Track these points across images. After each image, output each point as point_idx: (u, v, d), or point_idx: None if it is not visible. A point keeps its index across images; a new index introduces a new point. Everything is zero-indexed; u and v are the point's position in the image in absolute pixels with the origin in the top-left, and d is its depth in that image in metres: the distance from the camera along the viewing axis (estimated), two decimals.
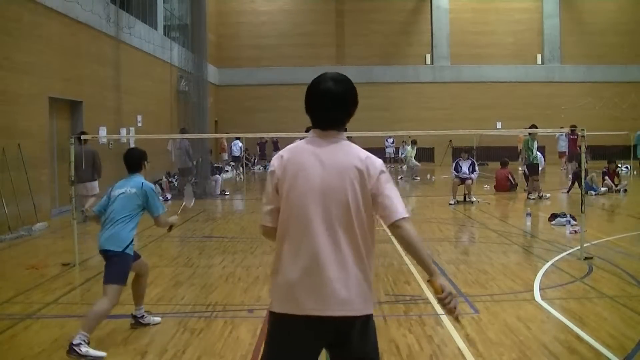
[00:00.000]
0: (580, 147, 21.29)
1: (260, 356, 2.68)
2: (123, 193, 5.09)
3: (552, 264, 7.63)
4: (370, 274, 2.59)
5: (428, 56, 31.57)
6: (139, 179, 5.21)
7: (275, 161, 2.66)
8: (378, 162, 2.61)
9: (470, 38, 30.96)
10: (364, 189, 2.55)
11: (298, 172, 2.57)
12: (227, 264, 7.99)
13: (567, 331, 5.04)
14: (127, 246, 4.95)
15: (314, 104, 2.64)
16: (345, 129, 2.75)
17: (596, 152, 22.28)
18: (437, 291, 2.55)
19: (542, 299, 6.02)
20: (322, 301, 2.49)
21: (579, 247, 7.94)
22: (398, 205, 2.56)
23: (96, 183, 11.92)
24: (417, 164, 23.22)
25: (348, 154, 2.59)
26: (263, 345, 2.69)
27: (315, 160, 2.57)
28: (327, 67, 27.41)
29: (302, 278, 2.51)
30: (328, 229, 2.52)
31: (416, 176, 22.84)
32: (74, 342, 4.41)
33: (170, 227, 5.57)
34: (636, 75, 30.50)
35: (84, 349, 4.40)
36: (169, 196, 16.43)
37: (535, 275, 7.03)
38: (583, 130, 8.07)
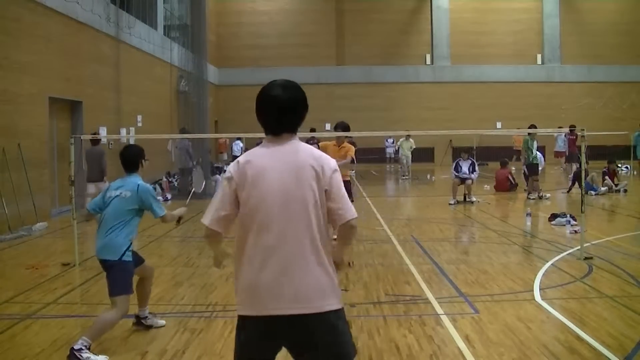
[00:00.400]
0: (579, 147, 21.47)
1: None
2: (118, 196, 4.89)
3: (552, 264, 7.63)
4: (330, 270, 2.66)
5: (428, 56, 31.56)
6: (135, 179, 4.98)
7: (232, 167, 2.72)
8: (332, 162, 2.72)
9: (470, 38, 30.95)
10: (320, 187, 2.64)
11: (257, 176, 2.64)
12: (227, 264, 7.96)
13: (567, 331, 5.04)
14: (124, 253, 4.80)
15: (265, 110, 2.72)
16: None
17: (596, 152, 22.28)
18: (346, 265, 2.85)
19: (542, 299, 6.02)
20: (284, 300, 2.55)
21: (579, 247, 7.94)
22: (349, 205, 2.69)
23: (104, 184, 11.70)
24: (408, 156, 22.73)
25: (303, 154, 2.69)
26: (234, 347, 2.74)
27: (272, 163, 2.65)
28: (327, 67, 27.54)
29: (263, 278, 2.58)
30: (289, 229, 2.59)
31: (405, 174, 22.59)
32: (75, 347, 4.36)
33: (179, 220, 5.38)
34: (636, 75, 30.50)
35: (85, 355, 4.34)
36: (169, 196, 16.44)
37: (535, 275, 7.03)
38: (583, 130, 8.07)
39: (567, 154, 21.82)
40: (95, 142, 12.30)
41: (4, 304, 6.10)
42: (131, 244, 4.91)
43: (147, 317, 5.26)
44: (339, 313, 2.65)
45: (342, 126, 8.67)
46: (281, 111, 2.68)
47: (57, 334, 5.13)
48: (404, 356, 4.56)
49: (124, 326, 5.26)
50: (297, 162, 2.65)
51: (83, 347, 4.37)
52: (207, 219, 2.71)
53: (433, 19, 31.24)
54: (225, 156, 27.15)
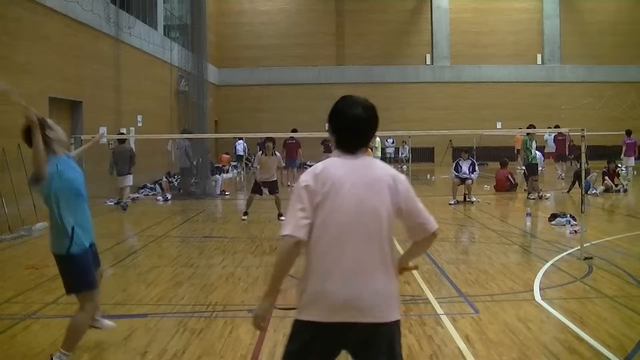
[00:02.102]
0: (570, 147, 21.63)
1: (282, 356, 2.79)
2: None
3: (552, 264, 7.62)
4: (395, 281, 2.78)
5: (428, 56, 31.57)
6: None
7: (308, 176, 2.72)
8: (404, 178, 2.81)
9: (470, 38, 30.97)
10: (393, 202, 2.73)
11: (333, 186, 2.68)
12: (227, 264, 7.99)
13: (567, 331, 5.04)
14: (70, 245, 4.32)
15: (345, 127, 2.79)
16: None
17: (596, 152, 22.31)
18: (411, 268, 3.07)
19: (542, 299, 6.02)
20: (351, 308, 2.61)
21: (579, 247, 7.94)
22: (430, 217, 2.81)
23: (131, 176, 14.25)
24: (378, 157, 22.53)
25: (377, 170, 2.77)
26: (283, 351, 2.75)
27: (347, 175, 2.70)
28: (327, 67, 27.50)
29: (332, 287, 2.63)
30: (360, 241, 2.66)
31: None
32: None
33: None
34: (636, 75, 30.51)
35: None
36: (168, 196, 16.43)
37: (535, 275, 7.02)
38: (583, 130, 8.05)
39: (555, 154, 21.91)
40: (122, 140, 14.16)
41: (4, 304, 6.10)
42: (74, 229, 4.39)
43: (97, 319, 4.87)
44: (398, 324, 2.73)
45: None
46: (362, 130, 2.78)
47: (57, 334, 5.11)
48: (404, 356, 4.54)
49: (123, 326, 5.26)
50: (371, 176, 2.73)
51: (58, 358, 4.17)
52: (289, 229, 2.64)
53: (433, 19, 31.26)
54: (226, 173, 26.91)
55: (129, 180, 14.23)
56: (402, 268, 2.97)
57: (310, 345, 2.66)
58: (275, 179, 12.01)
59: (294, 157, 20.84)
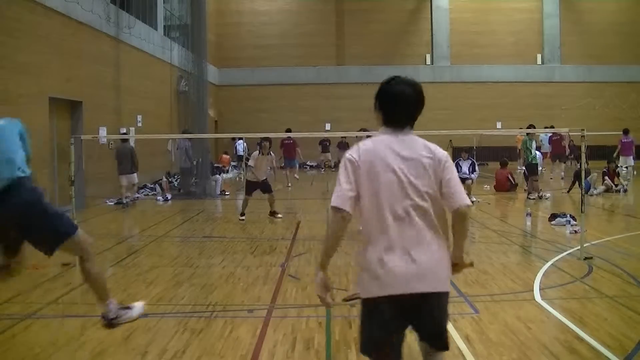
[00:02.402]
0: (570, 147, 21.63)
1: (360, 341, 2.93)
2: None
3: (552, 264, 7.62)
4: (447, 254, 2.91)
5: (428, 56, 31.57)
6: None
7: (354, 152, 2.86)
8: (444, 152, 2.93)
9: (470, 38, 30.96)
10: (436, 175, 2.84)
11: (380, 162, 2.81)
12: (227, 264, 7.98)
13: (567, 331, 5.04)
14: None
15: (393, 104, 2.92)
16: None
17: (596, 152, 22.29)
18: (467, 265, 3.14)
19: (542, 299, 6.02)
20: (412, 280, 2.74)
21: (579, 247, 7.94)
22: (462, 192, 2.88)
23: (135, 175, 14.84)
24: None
25: (420, 145, 2.90)
26: (359, 330, 2.90)
27: (392, 152, 2.83)
28: (327, 67, 27.47)
29: (391, 261, 2.74)
30: (410, 214, 2.78)
31: None
32: (111, 317, 4.08)
33: None
34: (636, 75, 30.51)
35: (125, 314, 4.10)
36: (168, 196, 16.43)
37: (535, 275, 7.02)
38: (583, 130, 8.05)
39: (550, 154, 21.91)
40: (125, 140, 14.67)
41: (4, 304, 6.09)
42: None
43: None
44: (448, 295, 2.92)
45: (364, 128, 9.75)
46: (410, 105, 2.91)
47: (57, 334, 5.12)
48: (404, 356, 4.54)
49: (123, 326, 5.25)
50: (417, 152, 2.85)
51: (114, 311, 4.05)
52: (335, 201, 2.77)
53: (433, 19, 31.25)
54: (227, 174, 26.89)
55: (134, 178, 14.90)
56: (457, 265, 3.03)
57: (382, 321, 2.78)
58: (266, 177, 12.06)
59: (293, 157, 20.84)
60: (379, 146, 2.85)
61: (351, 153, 2.86)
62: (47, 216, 3.77)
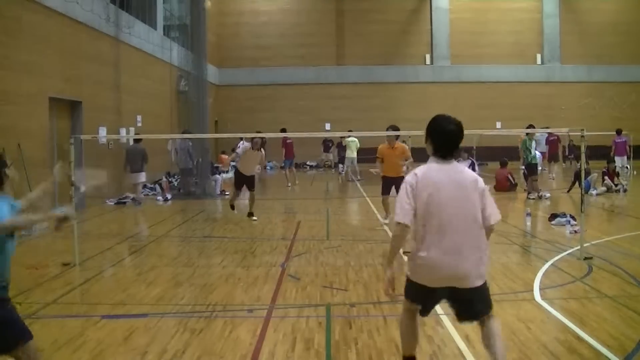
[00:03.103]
0: (570, 147, 21.57)
1: (405, 296, 3.93)
2: None
3: (552, 264, 7.62)
4: (485, 259, 3.68)
5: (428, 56, 31.56)
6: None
7: (412, 178, 3.67)
8: (482, 180, 3.77)
9: (470, 38, 30.95)
10: (479, 198, 3.67)
11: (434, 186, 3.62)
12: (227, 264, 7.98)
13: (567, 331, 5.04)
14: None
15: (443, 141, 3.73)
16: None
17: (596, 152, 22.29)
18: None
19: (542, 299, 6.02)
20: (457, 277, 3.60)
21: (579, 247, 7.94)
22: (496, 213, 3.74)
23: (144, 174, 15.27)
24: (355, 158, 21.55)
25: (465, 173, 3.76)
26: (405, 287, 3.89)
27: (443, 178, 3.65)
28: (327, 67, 27.35)
29: (442, 260, 3.58)
30: (461, 227, 3.59)
31: (352, 177, 21.78)
32: None
33: (64, 220, 3.70)
34: (636, 75, 30.49)
35: None
36: (168, 196, 16.43)
37: (535, 275, 7.02)
38: (583, 130, 8.05)
39: (547, 154, 21.90)
40: (137, 140, 15.09)
41: None
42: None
43: None
44: (485, 284, 3.72)
45: (393, 127, 10.13)
46: (455, 142, 3.74)
47: (57, 334, 5.12)
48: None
49: (123, 326, 5.27)
50: (463, 179, 3.69)
51: None
52: (400, 217, 3.61)
53: (433, 19, 31.23)
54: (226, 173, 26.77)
55: (142, 177, 15.28)
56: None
57: (420, 297, 3.82)
58: (254, 174, 12.09)
59: (292, 156, 20.91)
60: (434, 173, 3.66)
61: (410, 179, 3.65)
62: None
